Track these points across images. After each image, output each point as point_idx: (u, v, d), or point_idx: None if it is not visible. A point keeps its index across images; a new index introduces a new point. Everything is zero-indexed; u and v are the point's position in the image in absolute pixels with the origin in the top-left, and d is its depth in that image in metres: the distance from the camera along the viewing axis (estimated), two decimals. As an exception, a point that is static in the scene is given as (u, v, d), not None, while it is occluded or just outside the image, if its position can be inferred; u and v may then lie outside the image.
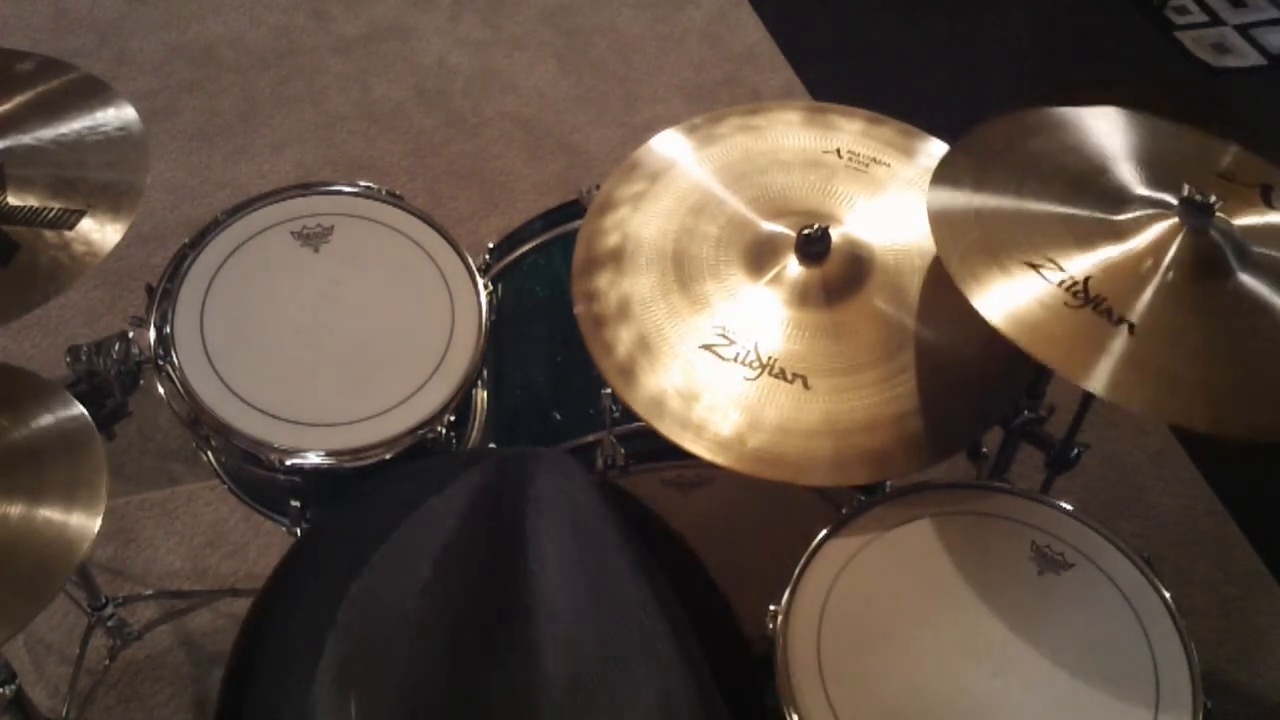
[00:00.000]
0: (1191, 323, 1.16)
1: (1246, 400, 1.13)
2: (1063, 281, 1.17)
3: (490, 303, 1.45)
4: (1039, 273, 1.18)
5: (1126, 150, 1.33)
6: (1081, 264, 1.19)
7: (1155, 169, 1.30)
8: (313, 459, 1.32)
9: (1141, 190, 1.26)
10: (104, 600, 1.73)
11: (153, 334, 1.39)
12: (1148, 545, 1.29)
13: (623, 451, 1.38)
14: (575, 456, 1.41)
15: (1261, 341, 1.17)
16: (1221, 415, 1.11)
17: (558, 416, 1.49)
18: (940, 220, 1.24)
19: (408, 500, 0.82)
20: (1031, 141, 1.33)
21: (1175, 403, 1.11)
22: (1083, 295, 1.16)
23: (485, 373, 1.46)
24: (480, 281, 1.46)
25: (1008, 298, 1.16)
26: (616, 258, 1.34)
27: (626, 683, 0.67)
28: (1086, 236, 1.21)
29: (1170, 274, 1.18)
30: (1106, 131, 1.35)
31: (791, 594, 1.18)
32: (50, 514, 1.14)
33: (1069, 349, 1.13)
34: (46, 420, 1.22)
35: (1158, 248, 1.20)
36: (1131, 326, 1.14)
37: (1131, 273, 1.18)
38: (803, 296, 1.29)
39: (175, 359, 1.36)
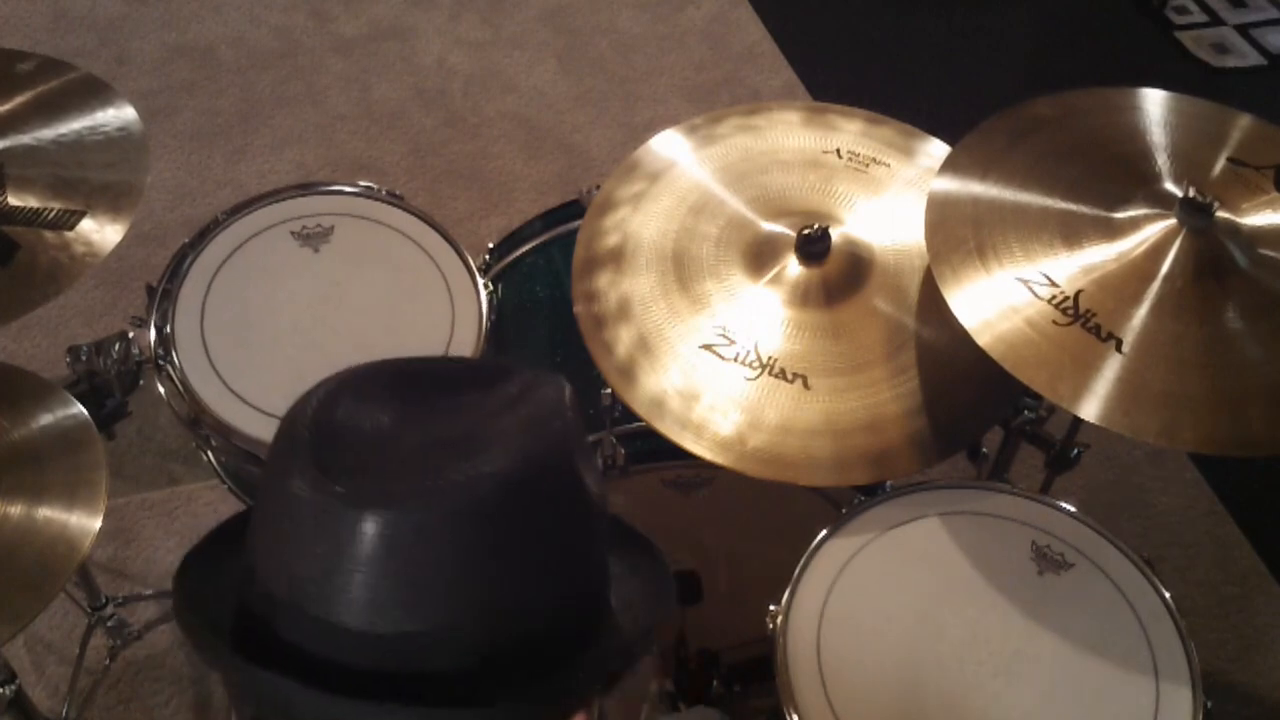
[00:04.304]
0: (1187, 332, 1.15)
1: (1241, 415, 1.12)
2: (1053, 298, 1.17)
3: (490, 303, 1.45)
4: (1029, 287, 1.18)
5: (1133, 139, 1.32)
6: (1074, 277, 1.18)
7: (1161, 160, 1.30)
8: (313, 459, 1.32)
9: (1142, 192, 1.26)
10: (104, 600, 1.73)
11: (153, 334, 1.39)
12: (1148, 545, 1.29)
13: (623, 451, 1.38)
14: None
15: (1261, 346, 1.16)
16: (1213, 434, 1.11)
17: (558, 416, 1.49)
18: (935, 231, 1.25)
19: None
20: (1031, 139, 1.33)
21: (1162, 424, 1.10)
22: (1072, 311, 1.16)
23: (485, 373, 1.46)
24: (480, 281, 1.46)
25: (995, 317, 1.16)
26: (616, 258, 1.34)
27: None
28: (1081, 240, 1.21)
29: (1167, 281, 1.18)
30: (1113, 120, 1.35)
31: (791, 594, 1.18)
32: (51, 513, 1.14)
33: (1055, 371, 1.12)
34: (46, 420, 1.22)
35: (1155, 254, 1.19)
36: (1119, 343, 1.13)
37: (1125, 284, 1.18)
38: (803, 296, 1.29)
39: (175, 359, 1.36)
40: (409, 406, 0.73)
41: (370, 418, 0.72)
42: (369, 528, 0.64)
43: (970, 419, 1.29)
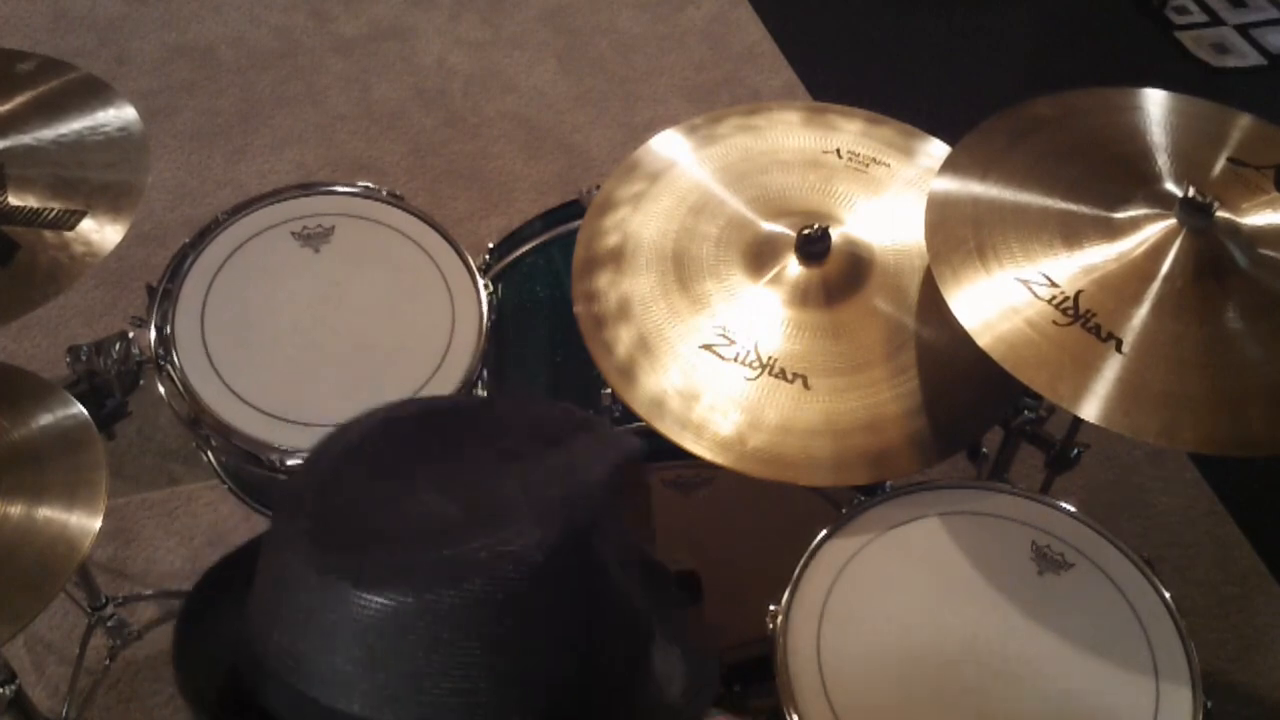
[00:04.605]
0: (1187, 332, 1.15)
1: (1241, 415, 1.12)
2: (1053, 298, 1.17)
3: (490, 303, 1.45)
4: (1029, 288, 1.18)
5: (1133, 139, 1.32)
6: (1074, 278, 1.19)
7: (1161, 160, 1.30)
8: (313, 459, 1.32)
9: (1142, 192, 1.26)
10: (104, 600, 1.73)
11: (153, 334, 1.39)
12: (1148, 545, 1.29)
13: (623, 451, 1.38)
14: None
15: (1261, 346, 1.16)
16: (1213, 434, 1.11)
17: (558, 416, 1.49)
18: (935, 231, 1.25)
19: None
20: (1031, 139, 1.33)
21: (1162, 424, 1.10)
22: (1072, 311, 1.16)
23: (485, 373, 1.46)
24: (480, 281, 1.46)
25: (995, 317, 1.16)
26: (616, 258, 1.34)
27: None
28: (1081, 240, 1.22)
29: (1167, 281, 1.18)
30: (1113, 120, 1.35)
31: (791, 594, 1.18)
32: (51, 513, 1.14)
33: (1055, 371, 1.13)
34: (46, 420, 1.22)
35: (1155, 254, 1.19)
36: (1119, 344, 1.13)
37: (1125, 284, 1.18)
38: (803, 296, 1.29)
39: (175, 359, 1.36)
40: (428, 467, 0.67)
41: (382, 481, 0.66)
42: (352, 607, 0.60)
43: (970, 419, 1.29)
